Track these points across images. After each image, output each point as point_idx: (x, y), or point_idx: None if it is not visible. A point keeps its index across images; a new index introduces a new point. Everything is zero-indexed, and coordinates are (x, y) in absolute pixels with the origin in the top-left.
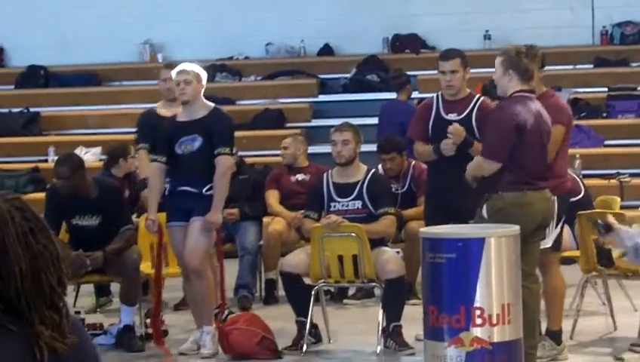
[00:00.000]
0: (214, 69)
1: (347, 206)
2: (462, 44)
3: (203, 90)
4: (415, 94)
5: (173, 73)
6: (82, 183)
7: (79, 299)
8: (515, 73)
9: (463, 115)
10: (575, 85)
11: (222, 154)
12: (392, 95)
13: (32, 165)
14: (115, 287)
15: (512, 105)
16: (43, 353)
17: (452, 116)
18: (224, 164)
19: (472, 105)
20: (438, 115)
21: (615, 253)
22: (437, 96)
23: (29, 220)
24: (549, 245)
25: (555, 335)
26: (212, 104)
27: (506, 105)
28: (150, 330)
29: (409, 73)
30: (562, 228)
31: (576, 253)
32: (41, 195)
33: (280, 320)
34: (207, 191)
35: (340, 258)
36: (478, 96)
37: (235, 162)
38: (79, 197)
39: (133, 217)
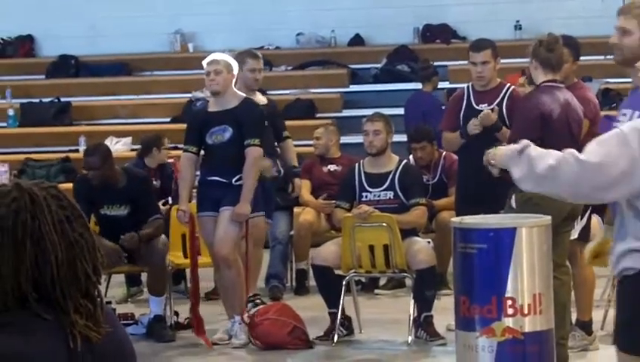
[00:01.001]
0: None
1: (379, 196)
2: (492, 34)
3: (234, 80)
4: (446, 84)
5: (204, 63)
6: (111, 173)
7: (110, 289)
8: (538, 63)
9: (493, 105)
10: (606, 75)
11: (251, 145)
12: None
13: (63, 155)
14: (145, 277)
15: (538, 94)
16: (77, 342)
17: (483, 106)
18: (253, 154)
19: (502, 94)
20: (469, 106)
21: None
22: (468, 87)
23: (65, 208)
24: (575, 236)
25: (586, 326)
26: (243, 94)
27: (532, 94)
28: (180, 320)
29: (439, 63)
30: (589, 219)
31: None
32: (72, 185)
33: (311, 310)
34: (236, 181)
35: (371, 248)
36: (508, 85)
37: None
38: (108, 187)
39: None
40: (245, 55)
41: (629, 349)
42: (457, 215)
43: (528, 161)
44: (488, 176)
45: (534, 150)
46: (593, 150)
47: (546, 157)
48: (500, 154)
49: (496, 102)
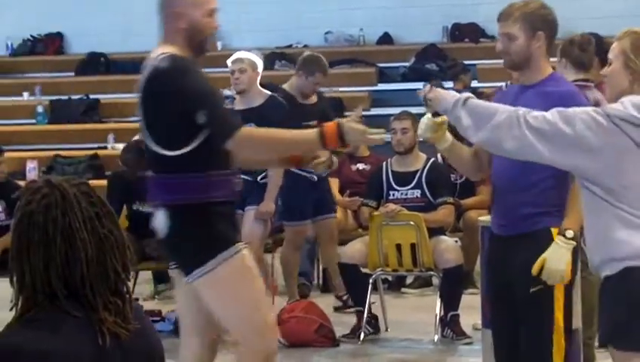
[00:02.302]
0: (273, 58)
1: (406, 194)
2: None
3: (259, 79)
4: (474, 83)
5: (229, 62)
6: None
7: (138, 286)
8: (569, 62)
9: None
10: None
11: None
12: (451, 84)
13: (92, 152)
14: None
15: None
16: (105, 339)
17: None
18: None
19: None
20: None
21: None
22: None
23: (95, 205)
24: None
25: None
26: (269, 92)
27: None
28: None
29: (468, 62)
30: None
31: None
32: (101, 182)
33: (332, 306)
34: (261, 179)
35: (398, 246)
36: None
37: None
38: (141, 184)
39: None
40: (315, 68)
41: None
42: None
43: (475, 111)
44: None
45: (478, 101)
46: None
47: (495, 108)
48: (438, 97)
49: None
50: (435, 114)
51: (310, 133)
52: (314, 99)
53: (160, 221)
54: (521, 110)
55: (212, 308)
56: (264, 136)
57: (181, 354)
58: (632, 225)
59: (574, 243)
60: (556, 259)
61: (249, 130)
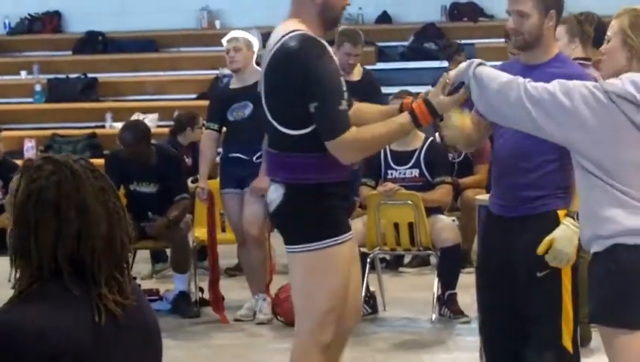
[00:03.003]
0: None
1: (404, 174)
2: None
3: (254, 57)
4: None
5: (224, 41)
6: (144, 152)
7: (135, 265)
8: (579, 39)
9: None
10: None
11: None
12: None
13: (90, 131)
14: (170, 254)
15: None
16: (102, 316)
17: None
18: None
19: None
20: None
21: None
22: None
23: (99, 179)
24: None
25: None
26: None
27: None
28: (205, 296)
29: (467, 42)
30: None
31: None
32: (99, 161)
33: None
34: (257, 158)
35: (396, 226)
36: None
37: None
38: (140, 164)
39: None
40: (344, 38)
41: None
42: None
43: (480, 78)
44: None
45: (485, 68)
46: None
47: (497, 74)
48: (458, 72)
49: None
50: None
51: (403, 118)
52: (356, 76)
53: (273, 195)
54: (521, 79)
55: (293, 284)
56: (367, 138)
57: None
58: (621, 202)
59: None
60: (565, 240)
61: (355, 133)
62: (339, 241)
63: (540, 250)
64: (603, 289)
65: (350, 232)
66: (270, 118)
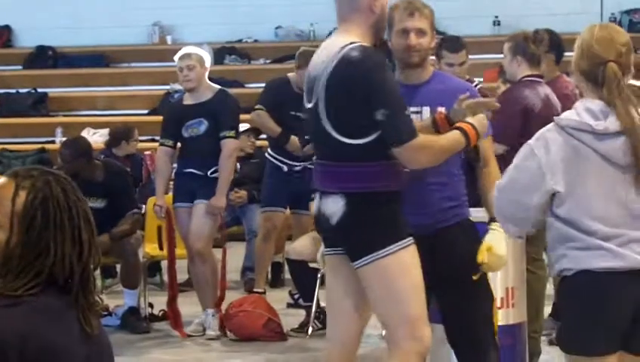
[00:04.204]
0: (223, 52)
1: None
2: (471, 29)
3: (207, 73)
4: None
5: (176, 58)
6: (86, 168)
7: None
8: (524, 59)
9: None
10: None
11: (227, 137)
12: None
13: (40, 146)
14: (120, 269)
15: (520, 89)
16: (92, 327)
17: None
18: (229, 147)
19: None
20: None
21: None
22: None
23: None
24: None
25: None
26: (217, 86)
27: (514, 88)
28: (155, 312)
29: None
30: None
31: None
32: None
33: (285, 302)
34: (212, 173)
35: None
36: (476, 83)
37: (250, 145)
38: (83, 180)
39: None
40: (302, 60)
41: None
42: None
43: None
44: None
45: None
46: (507, 170)
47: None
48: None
49: None
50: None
51: (457, 135)
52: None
53: (333, 207)
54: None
55: (371, 296)
56: (435, 146)
57: (335, 338)
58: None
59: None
60: (500, 245)
61: (423, 139)
62: (406, 244)
63: (481, 258)
64: (563, 316)
65: (411, 237)
66: (330, 129)
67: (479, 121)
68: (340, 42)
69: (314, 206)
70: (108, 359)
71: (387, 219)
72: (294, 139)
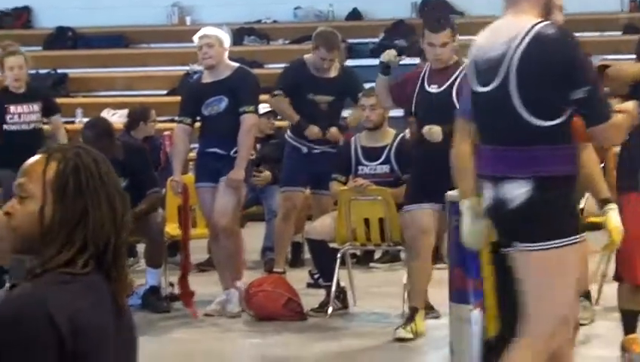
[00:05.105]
0: (242, 33)
1: (375, 169)
2: (491, 9)
3: (226, 54)
4: None
5: (195, 38)
6: (108, 149)
7: None
8: None
9: (443, 88)
10: (603, 52)
11: (246, 112)
12: (418, 60)
13: None
14: (141, 248)
15: None
16: (124, 303)
17: (433, 87)
18: (248, 122)
19: (456, 75)
20: (421, 87)
21: None
22: (428, 64)
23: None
24: None
25: (587, 296)
26: (236, 64)
27: None
28: (176, 291)
29: None
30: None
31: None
32: None
33: (305, 282)
34: (234, 152)
35: (367, 221)
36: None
37: (270, 126)
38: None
39: None
40: (320, 41)
41: None
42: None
43: None
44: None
45: None
46: None
47: None
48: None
49: (446, 85)
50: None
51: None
52: (332, 73)
53: (515, 191)
54: None
55: (526, 285)
56: (623, 125)
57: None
58: None
59: None
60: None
61: (617, 118)
62: (577, 240)
63: (617, 239)
64: None
65: (583, 234)
66: (522, 110)
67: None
68: (525, 21)
69: (484, 195)
70: (134, 333)
71: (569, 209)
72: (313, 127)
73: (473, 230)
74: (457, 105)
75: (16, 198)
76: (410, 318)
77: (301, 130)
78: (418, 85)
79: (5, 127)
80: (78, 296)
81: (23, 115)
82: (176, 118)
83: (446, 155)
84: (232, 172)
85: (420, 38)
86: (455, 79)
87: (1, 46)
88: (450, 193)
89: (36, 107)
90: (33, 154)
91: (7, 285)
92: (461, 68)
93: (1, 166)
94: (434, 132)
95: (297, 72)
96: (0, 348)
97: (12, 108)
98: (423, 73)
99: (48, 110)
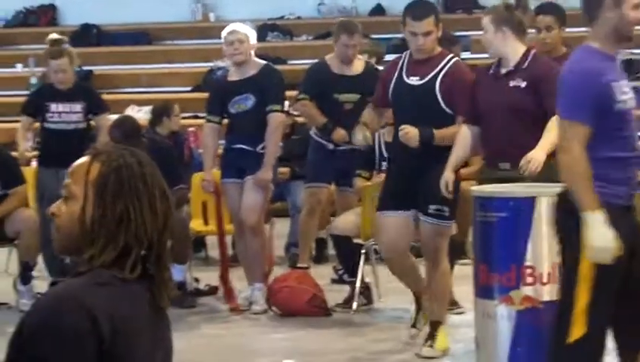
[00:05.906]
0: (266, 29)
1: None
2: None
3: (253, 50)
4: (467, 55)
5: (224, 34)
6: (135, 147)
7: None
8: (509, 29)
9: (425, 80)
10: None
11: (273, 111)
12: None
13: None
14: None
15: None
16: (165, 304)
17: (413, 79)
18: (275, 120)
19: (440, 67)
20: (399, 78)
21: None
22: (405, 54)
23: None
24: None
25: None
26: (263, 62)
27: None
28: (201, 287)
29: (461, 34)
30: None
31: None
32: None
33: (330, 278)
34: (261, 149)
35: None
36: (450, 56)
37: (289, 123)
38: None
39: None
40: (340, 29)
41: None
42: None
43: None
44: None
45: None
46: None
47: None
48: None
49: (429, 77)
50: None
51: None
52: (357, 69)
53: None
54: None
55: None
56: None
57: None
58: None
59: None
60: None
61: None
62: None
63: None
64: None
65: None
66: None
67: None
68: None
69: None
70: (170, 337)
71: None
72: (339, 130)
73: (606, 245)
74: (440, 100)
75: (62, 199)
76: (430, 335)
77: (328, 132)
78: (395, 75)
79: (46, 125)
80: (117, 297)
81: (64, 115)
82: (205, 117)
83: (423, 159)
84: (260, 171)
85: (445, 32)
86: (439, 71)
87: (47, 41)
88: (474, 188)
89: (78, 107)
90: (74, 155)
91: (48, 282)
92: (447, 59)
93: (45, 165)
94: (410, 137)
95: (320, 73)
96: (40, 344)
97: (53, 107)
98: (400, 63)
99: (96, 108)
